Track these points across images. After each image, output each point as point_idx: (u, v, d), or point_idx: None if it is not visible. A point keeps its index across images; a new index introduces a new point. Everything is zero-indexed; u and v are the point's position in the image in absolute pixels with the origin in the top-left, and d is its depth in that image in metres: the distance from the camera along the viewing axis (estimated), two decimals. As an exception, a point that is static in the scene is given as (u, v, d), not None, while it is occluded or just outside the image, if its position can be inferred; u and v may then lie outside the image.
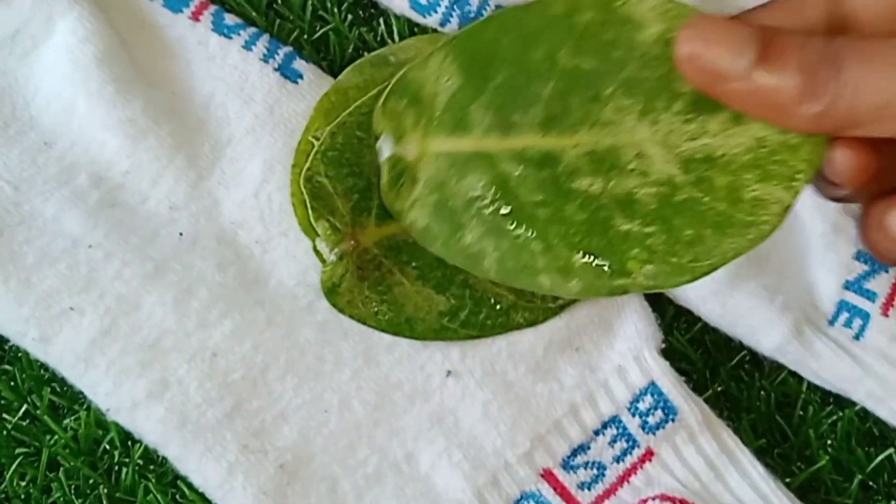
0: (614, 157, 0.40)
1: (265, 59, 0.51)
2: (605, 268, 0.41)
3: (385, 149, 0.43)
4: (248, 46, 0.51)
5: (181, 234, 0.49)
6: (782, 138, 0.38)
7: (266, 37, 0.52)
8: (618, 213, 0.40)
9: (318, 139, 0.48)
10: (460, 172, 0.42)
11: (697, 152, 0.39)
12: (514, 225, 0.41)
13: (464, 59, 0.42)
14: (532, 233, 0.41)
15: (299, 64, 0.52)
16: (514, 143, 0.41)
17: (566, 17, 0.40)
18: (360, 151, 0.47)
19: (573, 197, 0.41)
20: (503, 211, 0.42)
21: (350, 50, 0.54)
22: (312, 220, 0.47)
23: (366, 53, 0.52)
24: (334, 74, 0.52)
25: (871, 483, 0.50)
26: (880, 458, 0.50)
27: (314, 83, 0.51)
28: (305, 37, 0.54)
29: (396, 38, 0.54)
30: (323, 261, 0.47)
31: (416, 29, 0.54)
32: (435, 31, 0.53)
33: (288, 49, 0.52)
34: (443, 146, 0.42)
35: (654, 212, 0.40)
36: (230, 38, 0.51)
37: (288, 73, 0.51)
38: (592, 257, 0.41)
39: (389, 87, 0.41)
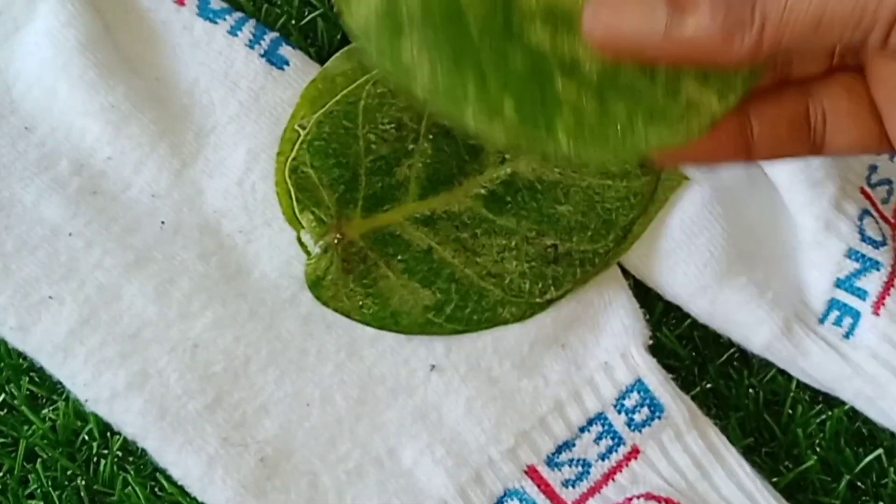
0: (570, 18, 0.38)
1: (251, 45, 0.51)
2: (532, 119, 0.38)
3: None
4: (233, 32, 0.51)
5: (163, 222, 0.48)
6: None
7: (252, 22, 0.51)
8: (558, 73, 0.38)
9: (304, 128, 0.47)
10: None
11: None
12: (453, 52, 0.38)
13: None
14: (470, 65, 0.38)
15: (286, 50, 0.51)
16: None
17: None
18: (346, 142, 0.47)
19: (520, 40, 0.39)
20: (447, 36, 0.38)
21: (338, 37, 0.53)
22: (297, 211, 0.46)
23: (353, 41, 0.51)
24: (322, 61, 0.51)
25: (859, 483, 0.50)
26: (869, 458, 0.50)
27: (301, 70, 0.51)
28: (293, 22, 0.53)
29: (385, 24, 0.53)
30: (307, 252, 0.47)
31: (405, 16, 0.53)
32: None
33: (274, 35, 0.51)
34: None
35: (594, 83, 0.38)
36: (216, 22, 0.51)
37: (274, 59, 0.51)
38: (523, 106, 0.38)
39: None
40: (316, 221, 0.46)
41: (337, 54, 0.50)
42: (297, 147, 0.47)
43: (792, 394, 0.51)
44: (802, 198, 0.50)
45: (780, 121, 0.38)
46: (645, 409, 0.48)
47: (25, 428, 0.48)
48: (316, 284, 0.46)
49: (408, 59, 0.38)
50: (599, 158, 0.40)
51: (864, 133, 0.38)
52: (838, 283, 0.50)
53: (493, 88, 0.38)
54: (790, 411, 0.50)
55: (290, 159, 0.47)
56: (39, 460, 0.48)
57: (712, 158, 0.40)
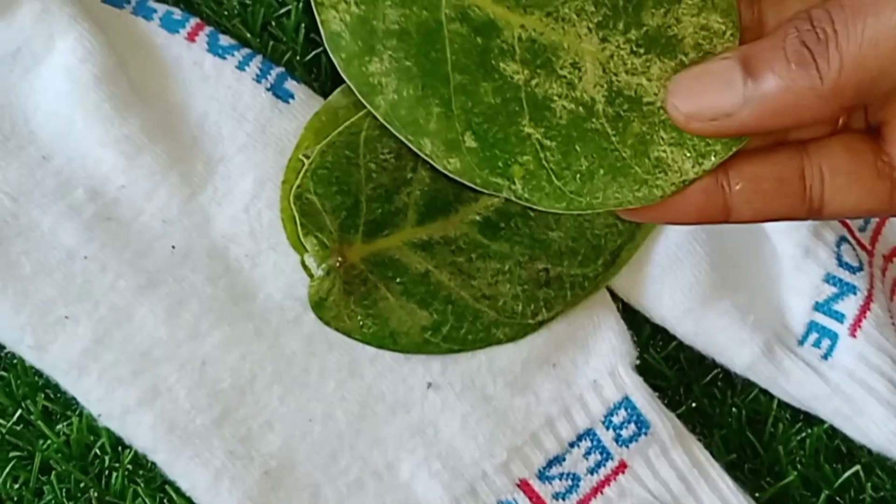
0: (552, 55, 0.38)
1: (258, 80, 0.53)
2: (489, 160, 0.38)
3: None
4: (241, 67, 0.53)
5: (174, 247, 0.50)
6: None
7: (259, 58, 0.54)
8: (527, 113, 0.38)
9: (308, 157, 0.49)
10: (397, 1, 0.38)
11: (628, 88, 0.38)
12: (422, 76, 0.37)
13: None
14: (437, 92, 0.38)
15: (291, 84, 0.53)
16: None
17: None
18: (348, 170, 0.49)
19: (494, 77, 0.38)
20: (420, 57, 0.37)
21: (341, 72, 0.55)
22: (301, 236, 0.48)
23: (356, 75, 0.54)
24: (325, 95, 0.53)
25: (837, 499, 0.52)
26: (847, 474, 0.51)
27: (305, 103, 0.53)
28: (298, 58, 0.55)
29: (386, 61, 0.56)
30: (310, 275, 0.49)
31: (405, 52, 0.55)
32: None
33: (280, 70, 0.54)
34: None
35: (562, 129, 0.38)
36: (224, 58, 0.53)
37: (280, 92, 0.53)
38: (483, 145, 0.37)
39: None
40: (319, 245, 0.48)
41: (339, 89, 0.52)
42: (301, 175, 0.49)
43: (773, 412, 0.52)
44: (782, 225, 0.52)
45: (766, 179, 0.37)
46: (632, 426, 0.50)
47: (41, 442, 0.50)
48: (319, 305, 0.48)
49: (374, 80, 0.37)
50: (553, 209, 0.38)
51: (869, 195, 0.36)
52: (817, 307, 0.52)
53: (456, 122, 0.38)
54: (772, 429, 0.52)
55: (294, 187, 0.49)
56: (54, 473, 0.50)
57: (682, 219, 0.38)
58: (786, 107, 0.34)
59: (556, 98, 0.38)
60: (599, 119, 0.38)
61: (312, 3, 0.37)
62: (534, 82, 0.38)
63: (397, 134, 0.38)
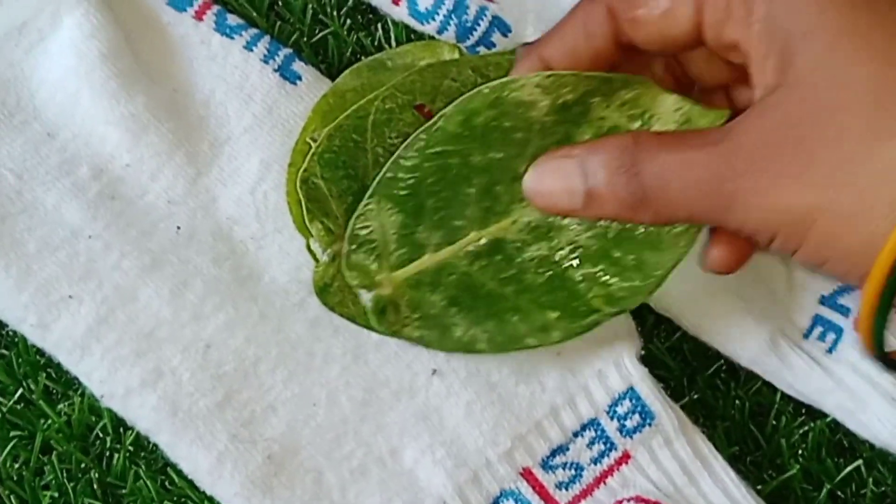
0: (549, 220, 0.45)
1: (265, 60, 0.53)
2: (575, 312, 0.46)
3: (364, 297, 0.47)
4: (249, 47, 0.53)
5: (179, 228, 0.50)
6: None
7: (267, 38, 0.53)
8: (568, 265, 0.46)
9: (315, 140, 0.49)
10: (430, 286, 0.46)
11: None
12: (489, 308, 0.46)
13: (395, 197, 0.45)
14: (506, 308, 0.46)
15: (298, 66, 0.53)
16: (463, 244, 0.46)
17: (465, 126, 0.44)
18: (355, 154, 0.48)
19: (528, 266, 0.46)
20: (478, 301, 0.46)
21: (348, 54, 0.55)
22: (307, 221, 0.48)
23: (363, 58, 0.53)
24: (332, 77, 0.53)
25: (839, 493, 0.52)
26: (849, 469, 0.51)
27: (312, 85, 0.53)
28: (305, 39, 0.55)
29: (394, 43, 0.55)
30: (316, 260, 0.49)
31: (412, 35, 0.55)
32: (432, 37, 0.54)
33: (288, 51, 0.53)
34: (408, 273, 0.46)
35: (597, 252, 0.45)
36: (232, 38, 0.53)
37: (287, 74, 0.53)
38: (564, 311, 0.46)
39: (346, 243, 0.46)
40: (325, 231, 0.48)
41: (347, 71, 0.51)
42: (308, 159, 0.48)
43: (776, 405, 0.52)
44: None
45: None
46: (636, 416, 0.50)
47: (42, 422, 0.50)
48: (323, 291, 0.48)
49: (467, 339, 0.47)
50: (640, 301, 0.46)
51: None
52: (822, 300, 0.52)
53: (533, 314, 0.46)
54: (774, 422, 0.52)
55: (301, 170, 0.48)
56: (55, 453, 0.50)
57: None
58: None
59: (576, 239, 0.45)
60: (614, 225, 0.45)
61: (388, 334, 0.47)
62: (554, 244, 0.46)
63: (509, 353, 0.48)
